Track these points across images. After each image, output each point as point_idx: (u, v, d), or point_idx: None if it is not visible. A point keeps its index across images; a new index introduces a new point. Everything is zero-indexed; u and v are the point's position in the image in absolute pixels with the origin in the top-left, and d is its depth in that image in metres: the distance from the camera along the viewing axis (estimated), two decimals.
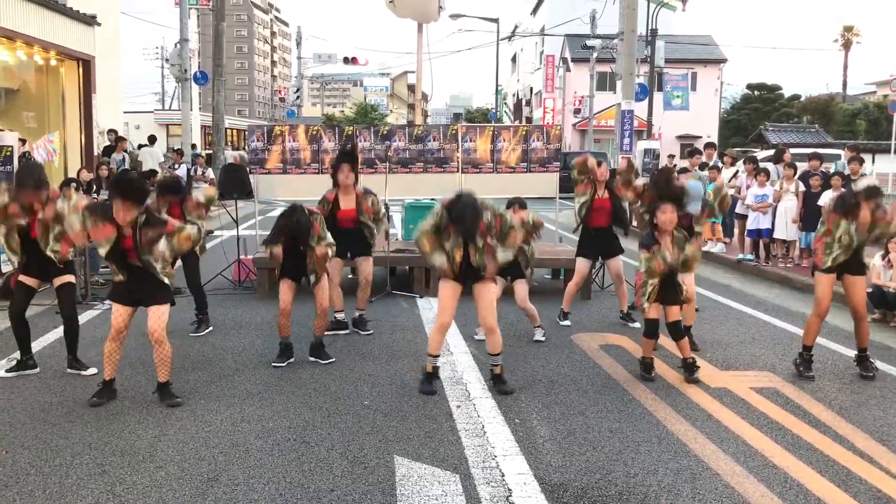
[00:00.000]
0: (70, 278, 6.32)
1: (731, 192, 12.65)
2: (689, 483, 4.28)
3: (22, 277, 6.22)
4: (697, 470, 4.46)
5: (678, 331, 6.20)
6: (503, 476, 4.33)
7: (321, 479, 4.27)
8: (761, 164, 13.10)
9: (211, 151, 19.85)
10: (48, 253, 5.98)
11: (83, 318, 8.06)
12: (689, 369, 6.14)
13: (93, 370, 6.13)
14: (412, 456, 4.58)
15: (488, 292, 5.78)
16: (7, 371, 6.18)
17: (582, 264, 8.19)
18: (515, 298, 7.32)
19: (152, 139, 24.20)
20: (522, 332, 7.53)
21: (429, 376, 5.81)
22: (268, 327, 7.78)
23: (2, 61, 14.09)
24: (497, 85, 52.07)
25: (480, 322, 5.98)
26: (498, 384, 5.83)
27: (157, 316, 5.43)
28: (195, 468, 4.38)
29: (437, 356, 5.86)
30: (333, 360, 6.54)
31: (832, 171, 12.10)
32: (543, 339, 7.36)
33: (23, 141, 13.70)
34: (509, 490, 4.16)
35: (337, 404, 5.50)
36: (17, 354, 6.29)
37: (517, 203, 7.09)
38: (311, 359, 6.54)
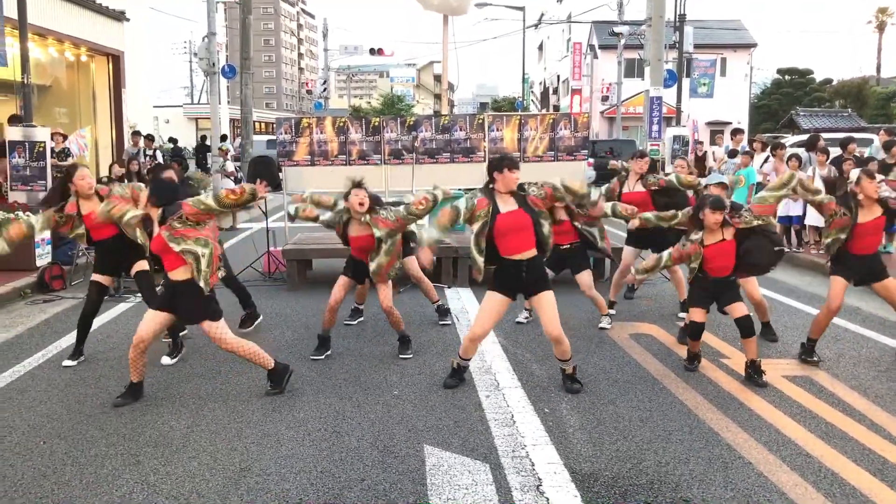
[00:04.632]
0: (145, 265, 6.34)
1: (760, 178, 12.52)
2: (722, 472, 4.25)
3: (96, 277, 6.31)
4: (729, 459, 4.43)
5: (747, 328, 5.85)
6: (533, 465, 4.33)
7: (352, 468, 4.29)
8: (793, 150, 12.93)
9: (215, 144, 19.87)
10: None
11: (115, 311, 8.19)
12: (755, 371, 5.86)
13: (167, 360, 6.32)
14: (442, 445, 4.59)
15: (550, 302, 5.45)
16: (70, 359, 6.29)
17: (627, 253, 8.09)
18: (582, 288, 7.31)
19: (173, 141, 24.49)
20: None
21: (454, 371, 5.77)
22: (298, 318, 7.84)
23: (34, 58, 14.29)
24: (524, 73, 51.76)
25: (546, 332, 5.55)
26: (568, 382, 5.64)
27: (215, 331, 5.29)
28: (227, 458, 4.43)
29: (467, 360, 5.78)
30: (410, 356, 6.49)
31: (866, 155, 11.90)
32: (609, 326, 7.38)
33: (63, 136, 13.89)
34: (539, 479, 4.16)
35: (367, 394, 5.52)
36: (50, 348, 6.38)
37: None
38: (401, 356, 6.49)
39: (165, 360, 6.30)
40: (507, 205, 5.34)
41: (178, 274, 5.20)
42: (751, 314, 5.95)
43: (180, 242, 5.09)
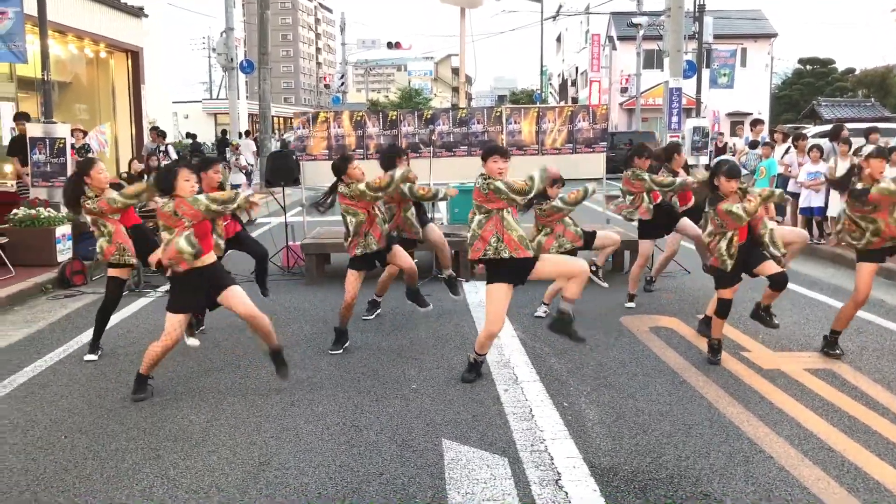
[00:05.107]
0: None
1: (781, 169, 12.41)
2: (742, 466, 4.21)
3: (112, 272, 6.34)
4: (750, 453, 4.39)
5: (780, 282, 5.90)
6: (552, 459, 4.31)
7: (370, 462, 4.29)
8: (816, 141, 12.78)
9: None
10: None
11: (136, 305, 8.24)
12: (767, 313, 6.12)
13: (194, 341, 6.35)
14: (460, 439, 4.58)
15: (550, 259, 5.73)
16: (91, 353, 6.34)
17: (645, 246, 8.07)
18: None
19: (192, 136, 24.72)
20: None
21: (471, 366, 5.75)
22: (316, 312, 7.86)
23: (54, 55, 14.40)
24: (542, 66, 51.62)
25: (570, 276, 5.62)
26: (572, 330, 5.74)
27: (240, 298, 5.25)
28: (247, 452, 4.44)
29: (484, 355, 5.77)
30: (430, 307, 7.05)
31: (891, 145, 11.73)
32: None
33: (83, 133, 14.00)
34: (558, 473, 4.14)
35: (385, 388, 5.52)
36: (71, 343, 6.42)
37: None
38: (409, 302, 6.90)
39: (192, 341, 6.31)
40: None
41: (210, 257, 5.26)
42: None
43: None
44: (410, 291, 6.99)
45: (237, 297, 5.24)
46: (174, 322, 5.20)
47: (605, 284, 7.89)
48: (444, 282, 7.65)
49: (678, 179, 7.60)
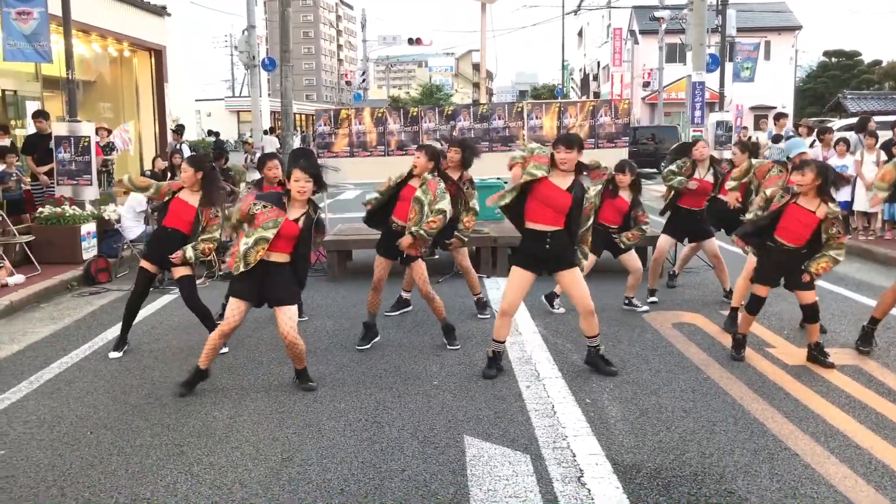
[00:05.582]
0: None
1: None
2: (767, 463, 4.17)
3: (144, 263, 6.39)
4: (775, 450, 4.34)
5: (812, 314, 5.82)
6: (574, 456, 4.29)
7: (392, 459, 4.30)
8: (842, 134, 12.62)
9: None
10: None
11: (160, 302, 8.30)
12: (820, 352, 5.87)
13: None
14: (482, 436, 4.58)
15: (578, 279, 5.52)
16: (115, 350, 6.38)
17: (662, 241, 8.02)
18: (628, 266, 7.47)
19: (215, 134, 24.90)
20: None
21: (491, 361, 5.74)
22: (338, 308, 7.88)
23: (78, 54, 14.55)
24: (563, 60, 51.34)
25: (578, 308, 5.59)
26: (604, 365, 5.70)
27: (288, 318, 5.27)
28: (270, 448, 4.47)
29: (501, 342, 5.75)
30: (458, 346, 6.43)
31: None
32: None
33: (108, 131, 14.13)
34: (581, 470, 4.12)
35: (407, 385, 5.53)
36: (97, 340, 6.47)
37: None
38: (449, 347, 6.46)
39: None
40: (558, 179, 5.34)
41: (277, 256, 5.26)
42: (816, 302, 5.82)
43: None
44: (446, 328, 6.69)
45: (285, 316, 5.25)
46: (231, 307, 5.28)
47: (646, 307, 7.66)
48: (475, 304, 7.63)
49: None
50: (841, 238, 5.64)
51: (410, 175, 6.31)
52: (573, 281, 5.50)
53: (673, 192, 7.88)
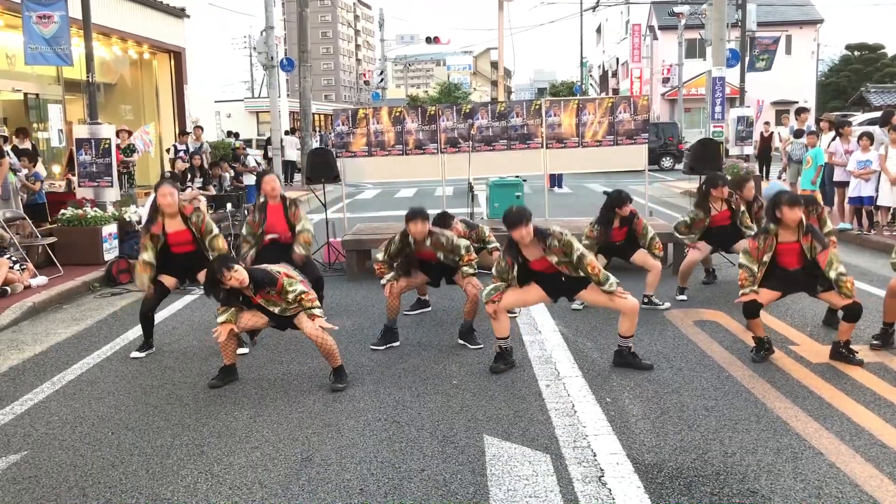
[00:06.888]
0: None
1: (827, 158, 12.13)
2: (791, 462, 4.12)
3: (162, 277, 6.46)
4: (799, 449, 4.28)
5: (853, 314, 5.66)
6: (595, 456, 4.26)
7: (412, 458, 4.29)
8: (865, 128, 12.47)
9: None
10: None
11: (180, 303, 8.35)
12: (849, 350, 5.79)
13: None
14: (502, 435, 4.55)
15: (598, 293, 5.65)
16: (138, 351, 6.43)
17: (700, 245, 8.00)
18: (641, 264, 7.47)
19: (235, 135, 24.99)
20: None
21: (498, 355, 5.81)
22: (357, 308, 7.88)
23: (98, 57, 14.65)
24: (582, 57, 51.14)
25: (624, 308, 5.63)
26: (638, 361, 5.73)
27: (307, 318, 5.42)
28: (289, 448, 4.47)
29: (504, 338, 5.78)
30: (481, 345, 6.39)
31: None
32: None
33: (128, 133, 14.22)
34: (601, 470, 4.09)
35: (426, 384, 5.51)
36: (118, 340, 6.51)
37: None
38: (460, 342, 6.49)
39: (241, 350, 6.29)
40: (531, 253, 5.58)
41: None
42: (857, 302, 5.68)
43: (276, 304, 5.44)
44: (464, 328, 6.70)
45: (304, 317, 5.44)
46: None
47: (667, 304, 7.62)
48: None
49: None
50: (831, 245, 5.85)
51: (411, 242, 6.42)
52: (595, 294, 5.69)
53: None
